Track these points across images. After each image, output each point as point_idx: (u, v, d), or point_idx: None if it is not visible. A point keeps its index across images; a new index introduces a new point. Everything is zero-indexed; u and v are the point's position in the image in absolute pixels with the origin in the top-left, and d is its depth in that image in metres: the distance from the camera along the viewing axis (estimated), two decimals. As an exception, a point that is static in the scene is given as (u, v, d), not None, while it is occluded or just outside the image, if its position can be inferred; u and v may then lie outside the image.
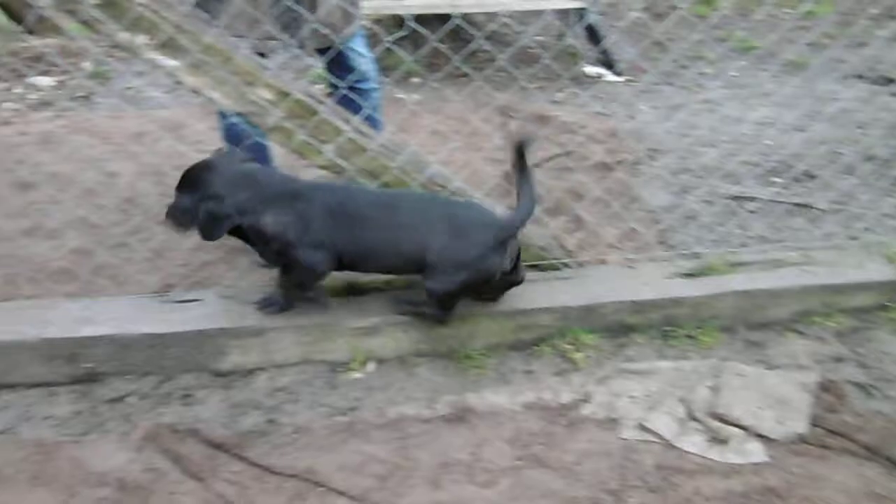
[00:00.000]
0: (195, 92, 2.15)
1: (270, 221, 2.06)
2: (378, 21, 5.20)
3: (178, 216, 2.09)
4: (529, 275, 2.41)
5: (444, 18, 3.19)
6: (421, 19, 3.74)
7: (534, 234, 2.45)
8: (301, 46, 2.55)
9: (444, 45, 2.68)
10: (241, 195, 2.05)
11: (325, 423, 2.11)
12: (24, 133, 4.00)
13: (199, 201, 2.04)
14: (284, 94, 2.16)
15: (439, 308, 2.20)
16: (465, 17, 4.33)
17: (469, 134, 3.74)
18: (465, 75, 4.42)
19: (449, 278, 2.09)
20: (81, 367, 2.21)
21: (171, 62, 2.09)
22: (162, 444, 2.03)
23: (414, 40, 5.10)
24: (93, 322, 2.22)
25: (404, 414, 2.14)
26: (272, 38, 2.44)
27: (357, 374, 2.27)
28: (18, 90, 4.60)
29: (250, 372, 2.28)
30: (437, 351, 2.32)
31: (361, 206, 2.10)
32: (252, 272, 2.67)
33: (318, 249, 2.09)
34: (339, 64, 2.70)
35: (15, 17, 2.09)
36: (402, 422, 2.11)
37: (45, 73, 4.79)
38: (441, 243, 2.07)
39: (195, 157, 3.51)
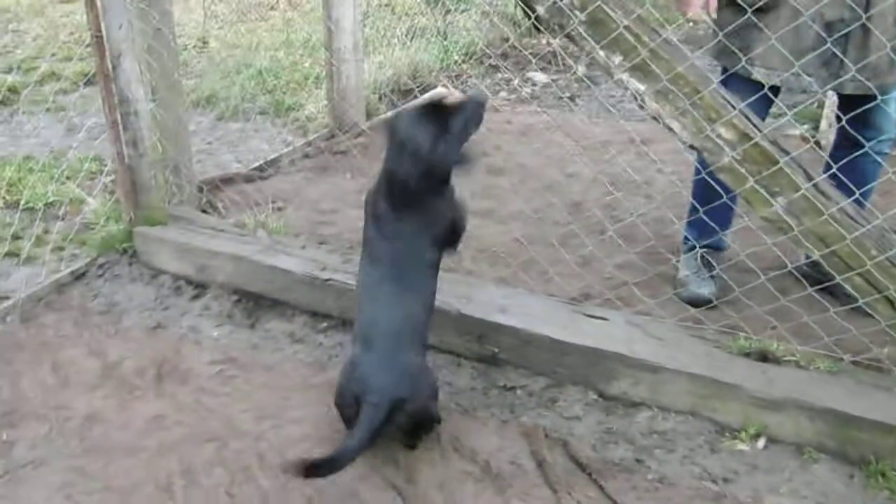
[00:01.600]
0: (655, 118, 2.14)
1: None
2: None
3: None
4: None
5: None
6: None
7: None
8: (835, 88, 2.36)
9: None
10: None
11: (692, 483, 1.99)
12: (509, 122, 4.42)
13: None
14: (746, 137, 2.04)
15: None
16: None
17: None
18: None
19: None
20: (487, 349, 2.39)
21: (638, 85, 2.11)
22: (533, 444, 2.11)
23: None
24: (506, 311, 2.38)
25: (783, 508, 1.92)
26: (808, 73, 2.31)
27: (743, 446, 2.09)
28: (515, 83, 5.08)
29: (635, 405, 2.23)
30: (845, 452, 2.02)
31: None
32: (671, 303, 2.60)
33: None
34: (863, 117, 2.36)
35: (527, 13, 2.25)
36: (776, 515, 1.90)
37: (542, 70, 5.22)
38: None
39: (652, 174, 3.59)
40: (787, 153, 2.04)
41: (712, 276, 2.69)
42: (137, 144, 2.81)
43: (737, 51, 2.32)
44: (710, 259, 2.72)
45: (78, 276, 2.83)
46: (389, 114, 2.14)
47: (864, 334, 2.21)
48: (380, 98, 4.55)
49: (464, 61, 5.31)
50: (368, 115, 4.30)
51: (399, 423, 1.97)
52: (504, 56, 5.44)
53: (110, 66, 2.70)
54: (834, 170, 2.19)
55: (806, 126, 4.32)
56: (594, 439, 2.14)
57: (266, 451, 2.09)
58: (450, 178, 2.13)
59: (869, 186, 2.50)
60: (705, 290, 2.65)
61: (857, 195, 2.19)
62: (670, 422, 2.18)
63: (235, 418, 2.21)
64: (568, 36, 2.14)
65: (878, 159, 2.48)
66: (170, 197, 2.99)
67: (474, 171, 2.16)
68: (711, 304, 2.58)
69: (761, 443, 2.09)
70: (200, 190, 3.18)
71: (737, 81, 2.39)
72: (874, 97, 2.24)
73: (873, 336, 2.20)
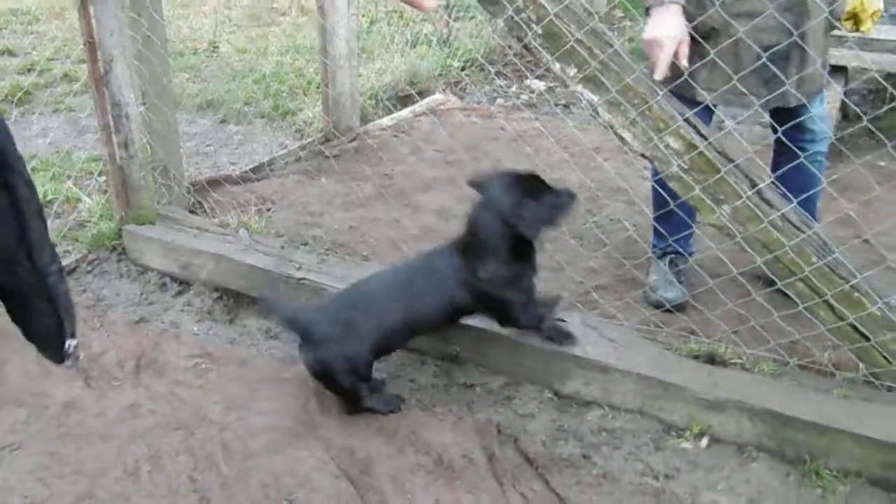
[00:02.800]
0: (608, 127, 2.22)
1: None
2: (887, 78, 4.68)
3: None
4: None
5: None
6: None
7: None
8: (779, 104, 2.46)
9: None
10: None
11: (634, 479, 2.07)
12: (502, 128, 4.50)
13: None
14: (691, 146, 2.12)
15: None
16: None
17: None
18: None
19: None
20: (450, 348, 2.48)
21: (591, 96, 2.19)
22: (485, 440, 2.20)
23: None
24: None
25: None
26: (750, 93, 2.40)
27: (687, 445, 2.16)
28: (513, 89, 5.17)
29: (587, 403, 2.31)
30: (783, 453, 2.09)
31: None
32: (639, 310, 2.67)
33: None
34: (797, 124, 2.49)
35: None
36: (711, 511, 1.97)
37: (540, 78, 5.30)
38: None
39: (637, 181, 3.66)
40: (732, 161, 2.12)
41: (680, 282, 2.77)
42: (128, 146, 2.94)
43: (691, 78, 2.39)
44: (679, 262, 2.81)
45: (68, 272, 2.96)
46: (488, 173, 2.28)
47: (811, 338, 2.27)
48: (376, 103, 4.66)
49: (464, 68, 5.41)
50: (364, 120, 4.41)
51: (308, 363, 2.22)
52: (505, 64, 5.53)
53: (102, 71, 2.83)
54: (773, 178, 2.28)
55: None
56: (545, 436, 2.22)
57: (230, 440, 2.20)
58: (529, 247, 2.24)
59: (817, 189, 2.60)
60: (671, 294, 2.72)
61: (806, 196, 2.30)
62: (619, 420, 2.26)
63: (205, 409, 2.32)
64: (526, 48, 2.23)
65: (819, 160, 2.60)
66: (159, 197, 3.11)
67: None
68: (674, 308, 2.66)
69: (704, 442, 2.17)
70: (189, 191, 3.30)
71: (685, 103, 2.47)
72: (805, 105, 2.38)
73: (821, 339, 2.27)
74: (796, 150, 2.39)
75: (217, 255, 2.81)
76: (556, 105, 5.03)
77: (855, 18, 2.87)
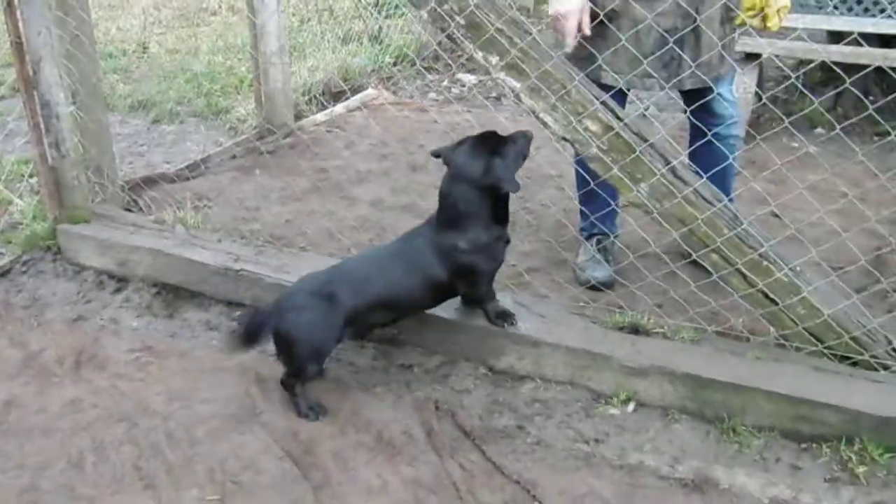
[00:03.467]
0: (532, 112, 2.33)
1: None
2: (800, 65, 4.92)
3: None
4: (830, 365, 2.20)
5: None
6: (847, 68, 3.45)
7: (844, 318, 2.20)
8: (675, 86, 2.62)
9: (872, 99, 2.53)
10: None
11: (566, 445, 2.18)
12: (435, 122, 4.59)
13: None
14: (609, 128, 2.24)
15: None
16: None
17: (858, 199, 3.37)
18: (884, 134, 3.99)
19: None
20: (388, 331, 2.55)
21: (514, 83, 2.30)
22: (424, 416, 2.28)
23: (835, 88, 4.74)
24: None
25: (644, 463, 2.11)
26: (650, 76, 2.54)
27: (614, 411, 2.29)
28: (445, 83, 5.26)
29: (521, 377, 2.42)
30: (703, 413, 2.23)
31: None
32: (569, 289, 2.78)
33: None
34: (706, 108, 2.67)
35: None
36: (638, 470, 2.09)
37: (470, 72, 5.41)
38: None
39: (566, 168, 3.79)
40: (647, 141, 2.24)
41: (608, 261, 2.90)
42: (60, 146, 2.94)
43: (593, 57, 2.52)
44: (605, 243, 2.95)
45: (2, 273, 2.95)
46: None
47: (729, 306, 2.42)
48: (309, 100, 4.71)
49: (395, 64, 5.49)
50: (298, 117, 4.46)
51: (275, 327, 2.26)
52: (436, 58, 5.62)
53: (31, 72, 2.83)
54: (684, 156, 2.44)
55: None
56: (481, 409, 2.32)
57: (174, 429, 2.24)
58: (505, 206, 2.33)
59: (728, 168, 2.75)
60: (599, 273, 2.85)
61: (720, 176, 2.47)
62: (551, 391, 2.37)
63: (148, 400, 2.36)
64: (450, 38, 2.33)
65: (732, 143, 2.76)
66: (93, 196, 3.12)
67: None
68: (602, 286, 2.79)
69: (631, 407, 2.29)
70: (124, 189, 3.31)
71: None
72: (711, 89, 2.56)
73: (738, 307, 2.42)
74: (706, 131, 2.54)
75: (154, 250, 2.84)
76: (487, 98, 5.15)
77: (763, 15, 3.03)
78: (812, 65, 4.68)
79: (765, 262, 2.22)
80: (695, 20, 2.41)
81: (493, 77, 2.34)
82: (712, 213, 2.21)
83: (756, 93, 4.27)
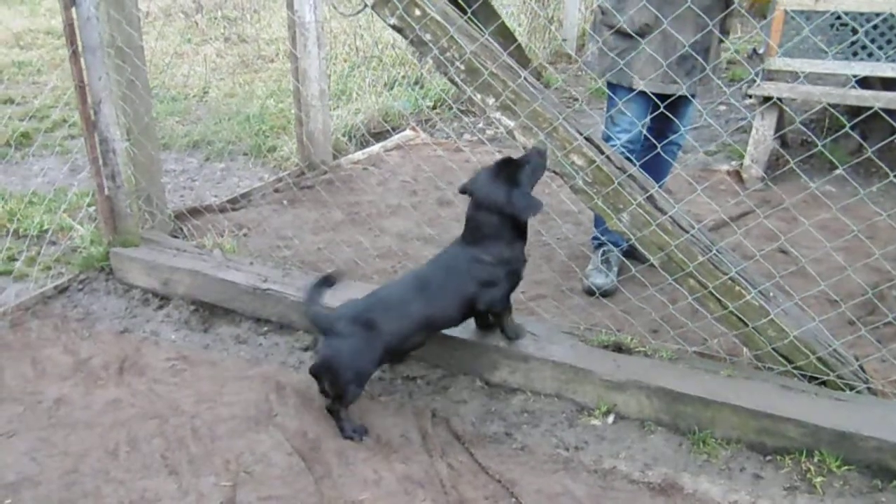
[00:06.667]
0: (524, 148, 2.57)
1: None
2: (824, 109, 5.06)
3: None
4: (798, 384, 2.36)
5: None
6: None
7: (812, 340, 2.36)
8: (688, 90, 2.95)
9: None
10: None
11: (548, 451, 2.38)
12: (467, 161, 4.87)
13: None
14: (591, 161, 2.47)
15: None
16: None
17: (866, 235, 3.50)
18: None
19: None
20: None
21: (508, 122, 2.56)
22: (421, 422, 2.51)
23: (861, 131, 4.86)
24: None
25: (617, 469, 2.29)
26: (675, 82, 2.86)
27: (595, 421, 2.48)
28: (480, 125, 5.55)
29: (513, 390, 2.63)
30: (677, 425, 2.40)
31: None
32: (569, 316, 3.00)
33: None
34: (682, 113, 3.07)
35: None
36: (611, 474, 2.28)
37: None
38: None
39: (583, 206, 4.00)
40: (626, 171, 2.47)
41: (611, 271, 3.18)
42: (115, 178, 3.30)
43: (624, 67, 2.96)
44: (609, 255, 3.24)
45: (61, 290, 3.31)
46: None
47: (706, 327, 2.61)
48: (350, 139, 5.04)
49: (434, 107, 5.81)
50: (338, 155, 4.79)
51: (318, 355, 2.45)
52: (472, 101, 5.90)
53: (92, 112, 3.21)
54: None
55: (734, 162, 4.74)
56: (474, 417, 2.54)
57: (199, 426, 2.51)
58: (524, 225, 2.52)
59: (666, 178, 3.34)
60: (599, 280, 3.12)
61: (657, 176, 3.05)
62: (539, 403, 2.57)
63: (178, 401, 2.64)
64: (451, 81, 2.60)
65: (675, 150, 3.30)
66: (143, 223, 3.46)
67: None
68: (603, 294, 3.09)
69: (611, 418, 2.48)
70: (171, 218, 3.65)
71: (622, 91, 3.03)
72: (694, 96, 3.05)
73: (717, 329, 2.60)
74: (664, 139, 3.05)
75: (193, 271, 3.15)
76: (520, 139, 5.40)
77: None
78: (836, 108, 4.82)
79: (737, 287, 2.40)
80: (709, 33, 2.79)
81: (489, 115, 2.60)
82: (686, 239, 2.41)
83: (778, 136, 4.45)
